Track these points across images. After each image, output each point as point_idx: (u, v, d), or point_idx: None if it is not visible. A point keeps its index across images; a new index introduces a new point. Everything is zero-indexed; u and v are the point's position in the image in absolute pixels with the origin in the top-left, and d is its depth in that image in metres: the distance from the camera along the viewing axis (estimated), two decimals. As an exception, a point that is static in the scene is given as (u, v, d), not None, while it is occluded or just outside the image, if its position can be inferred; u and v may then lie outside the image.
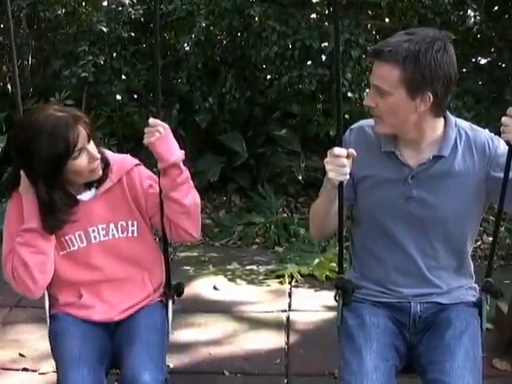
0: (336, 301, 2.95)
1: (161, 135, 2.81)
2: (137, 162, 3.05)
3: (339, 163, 2.60)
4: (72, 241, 2.94)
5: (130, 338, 2.91)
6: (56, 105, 2.95)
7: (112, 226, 2.97)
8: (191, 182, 2.92)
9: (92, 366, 2.78)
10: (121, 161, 3.02)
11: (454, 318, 2.83)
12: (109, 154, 3.03)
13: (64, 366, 2.80)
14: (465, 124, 2.83)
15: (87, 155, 2.79)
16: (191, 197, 2.90)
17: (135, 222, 3.00)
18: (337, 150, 2.61)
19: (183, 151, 2.89)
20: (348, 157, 2.61)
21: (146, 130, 2.83)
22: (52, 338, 3.03)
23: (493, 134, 2.83)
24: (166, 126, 2.86)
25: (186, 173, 2.89)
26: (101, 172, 2.89)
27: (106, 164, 2.93)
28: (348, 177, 2.64)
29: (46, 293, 3.03)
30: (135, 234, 3.01)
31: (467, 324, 2.82)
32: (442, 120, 2.74)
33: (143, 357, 2.79)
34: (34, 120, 2.76)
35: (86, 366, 2.76)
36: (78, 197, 2.91)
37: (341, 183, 2.66)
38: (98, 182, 2.94)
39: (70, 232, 2.92)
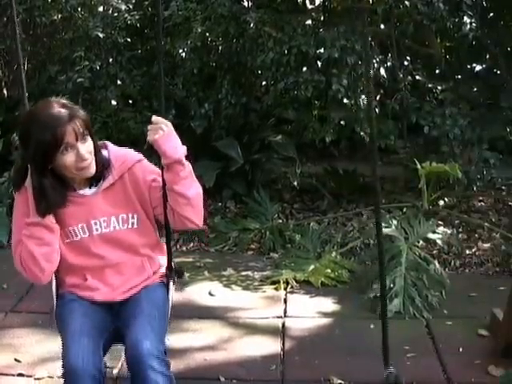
0: None
1: (164, 133, 3.00)
2: (139, 157, 3.23)
3: None
4: (75, 232, 3.14)
5: (133, 312, 3.11)
6: (64, 99, 3.06)
7: (113, 218, 3.17)
8: (194, 175, 3.09)
9: (91, 337, 2.99)
10: (123, 157, 3.20)
11: None
12: (112, 149, 3.23)
13: (66, 338, 3.00)
14: None
15: (76, 154, 2.96)
16: (194, 189, 3.08)
17: (135, 215, 3.19)
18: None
19: (185, 147, 3.06)
20: None
21: (150, 127, 3.02)
22: (57, 315, 3.23)
23: None
24: (169, 123, 3.04)
25: (189, 167, 3.06)
26: (93, 171, 3.06)
27: (107, 163, 3.14)
28: None
29: (53, 275, 3.25)
30: (135, 226, 3.20)
31: None
32: None
33: (145, 327, 3.00)
34: (33, 111, 3.01)
35: (85, 337, 2.97)
36: (81, 192, 3.13)
37: None
38: (101, 179, 3.14)
39: (74, 224, 3.13)
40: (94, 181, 3.13)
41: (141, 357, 2.90)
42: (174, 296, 4.69)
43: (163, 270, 3.34)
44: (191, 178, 3.08)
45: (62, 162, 2.96)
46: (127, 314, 3.13)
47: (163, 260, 3.35)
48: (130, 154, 3.24)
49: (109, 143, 3.27)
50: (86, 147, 2.99)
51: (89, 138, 3.02)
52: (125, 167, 3.16)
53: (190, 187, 3.06)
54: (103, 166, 3.12)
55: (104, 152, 3.18)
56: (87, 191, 3.14)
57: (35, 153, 2.93)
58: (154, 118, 3.04)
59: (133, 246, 3.23)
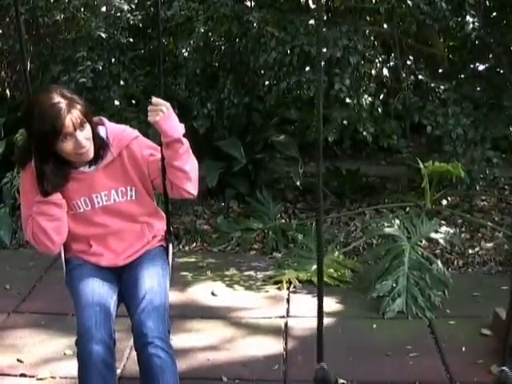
0: None
1: (164, 114, 3.20)
2: (136, 134, 3.46)
3: None
4: (78, 205, 3.39)
5: (137, 289, 3.33)
6: (64, 89, 3.24)
7: (113, 192, 3.40)
8: (190, 150, 3.32)
9: (102, 305, 3.25)
10: (120, 135, 3.40)
11: None
12: (109, 127, 3.42)
13: (80, 303, 3.27)
14: None
15: (74, 142, 3.16)
16: (191, 163, 3.33)
17: (133, 188, 3.43)
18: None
19: (183, 125, 3.29)
20: None
21: (150, 108, 3.21)
22: (68, 282, 3.47)
23: None
24: (168, 104, 3.23)
25: (187, 143, 3.29)
26: (91, 155, 3.26)
27: (105, 143, 3.34)
28: None
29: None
30: (133, 198, 3.44)
31: None
32: None
33: (148, 308, 3.22)
34: (36, 100, 3.16)
35: (97, 305, 3.23)
36: (82, 169, 3.33)
37: None
38: (100, 157, 3.33)
39: (76, 198, 3.37)
40: (93, 160, 3.32)
41: (144, 336, 3.14)
42: (177, 296, 4.73)
43: (162, 233, 3.61)
44: (188, 153, 3.31)
45: (62, 149, 3.16)
46: (130, 281, 3.39)
47: (161, 225, 3.61)
48: (127, 132, 3.46)
49: (105, 119, 3.45)
50: (84, 134, 3.18)
51: (87, 125, 3.20)
52: (122, 145, 3.37)
53: (188, 162, 3.30)
54: (101, 145, 3.32)
55: (101, 128, 3.38)
56: (88, 168, 3.34)
57: (37, 142, 3.14)
58: (154, 99, 3.22)
59: (132, 215, 3.47)
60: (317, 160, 2.96)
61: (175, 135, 3.22)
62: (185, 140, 3.28)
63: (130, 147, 3.38)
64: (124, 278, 3.46)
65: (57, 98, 3.10)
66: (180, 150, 3.24)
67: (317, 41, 2.88)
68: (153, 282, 3.36)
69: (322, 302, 3.07)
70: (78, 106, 3.14)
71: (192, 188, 3.36)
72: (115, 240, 3.47)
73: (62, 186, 3.29)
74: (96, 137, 3.28)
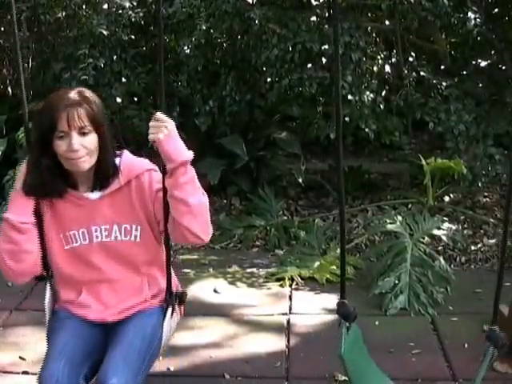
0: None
1: (169, 132, 2.77)
2: (150, 166, 3.02)
3: None
4: (75, 236, 2.99)
5: (115, 341, 2.94)
6: (88, 91, 2.98)
7: (116, 227, 3.00)
8: (198, 183, 2.86)
9: (71, 360, 2.83)
10: (132, 164, 3.02)
11: None
12: (125, 156, 3.05)
13: (46, 357, 2.90)
14: None
15: (67, 143, 2.81)
16: (197, 197, 2.84)
17: (139, 227, 3.01)
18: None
19: (191, 151, 2.83)
20: None
21: (152, 124, 2.79)
22: (48, 332, 3.11)
23: None
24: (172, 122, 2.80)
25: (192, 172, 2.84)
26: (85, 167, 2.87)
27: (115, 169, 2.97)
28: None
29: (49, 287, 3.13)
30: (138, 239, 3.02)
31: None
32: None
33: (118, 361, 2.82)
34: (53, 93, 2.92)
35: (63, 360, 2.82)
36: (85, 194, 2.97)
37: None
38: (106, 184, 2.96)
39: (74, 228, 2.98)
40: (98, 185, 2.98)
41: None
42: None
43: (163, 295, 3.11)
44: (194, 184, 2.84)
45: (56, 148, 2.83)
46: (111, 342, 2.96)
47: (165, 283, 3.11)
48: (141, 162, 3.05)
49: (126, 152, 3.08)
50: (82, 140, 2.83)
51: (91, 133, 2.86)
52: (132, 174, 2.98)
53: (193, 194, 2.82)
54: (112, 170, 2.96)
55: (117, 160, 3.01)
56: (91, 194, 2.98)
57: (38, 133, 2.87)
58: (159, 114, 2.78)
59: (133, 262, 3.05)
60: (336, 149, 2.83)
61: (180, 158, 2.76)
62: (190, 167, 2.82)
63: (139, 178, 2.97)
64: (110, 335, 3.02)
65: (71, 95, 2.84)
66: (181, 177, 2.79)
67: (335, 47, 2.79)
68: (135, 340, 2.94)
69: (345, 232, 2.93)
70: (87, 107, 2.84)
71: (197, 228, 2.84)
72: (108, 290, 3.05)
73: (55, 193, 2.93)
74: (105, 155, 2.93)
